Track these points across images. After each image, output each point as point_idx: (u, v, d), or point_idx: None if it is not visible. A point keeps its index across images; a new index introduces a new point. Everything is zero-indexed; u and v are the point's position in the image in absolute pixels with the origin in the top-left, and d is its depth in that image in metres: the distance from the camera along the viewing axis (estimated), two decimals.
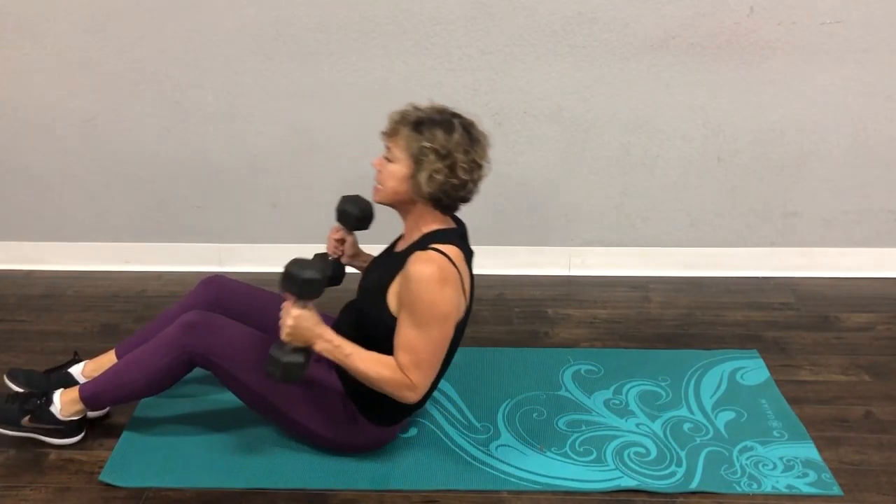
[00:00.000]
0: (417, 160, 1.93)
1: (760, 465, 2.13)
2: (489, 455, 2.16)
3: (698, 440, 2.23)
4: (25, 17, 2.83)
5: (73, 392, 2.15)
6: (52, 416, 2.15)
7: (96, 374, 2.22)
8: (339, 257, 2.27)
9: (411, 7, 2.78)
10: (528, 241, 3.19)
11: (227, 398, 2.36)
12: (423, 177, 1.92)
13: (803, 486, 2.06)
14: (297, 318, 1.93)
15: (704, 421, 2.31)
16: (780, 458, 2.15)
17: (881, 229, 3.12)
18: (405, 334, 1.93)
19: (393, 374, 1.94)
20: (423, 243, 1.96)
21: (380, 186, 2.02)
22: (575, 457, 2.16)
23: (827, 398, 2.42)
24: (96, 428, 2.26)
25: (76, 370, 2.33)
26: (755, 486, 2.06)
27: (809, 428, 2.27)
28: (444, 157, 1.91)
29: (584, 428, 2.28)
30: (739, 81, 2.87)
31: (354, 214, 2.20)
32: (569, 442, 2.22)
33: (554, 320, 2.86)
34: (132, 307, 2.95)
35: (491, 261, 3.22)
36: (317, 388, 2.09)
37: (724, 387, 2.46)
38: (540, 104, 2.93)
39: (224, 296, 2.29)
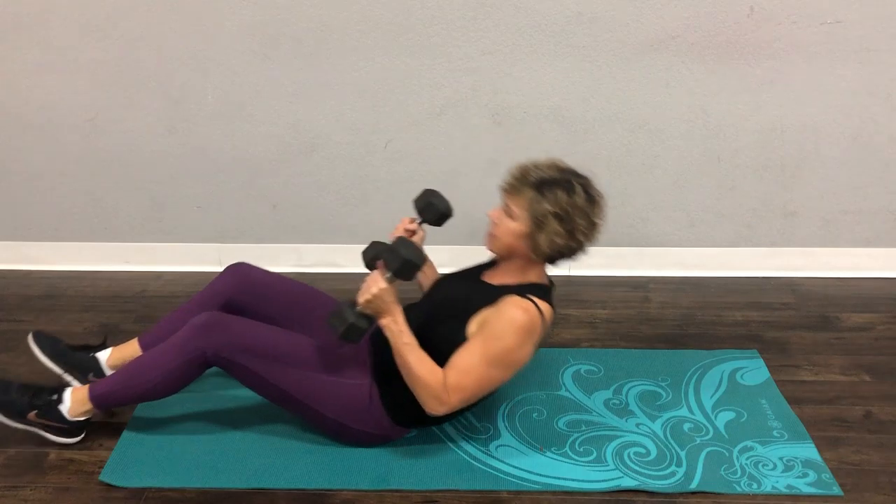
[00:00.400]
0: (538, 222, 1.97)
1: (760, 465, 2.13)
2: (489, 455, 2.16)
3: (698, 440, 2.23)
4: (25, 17, 2.84)
5: (84, 391, 2.15)
6: (60, 414, 2.14)
7: (119, 364, 2.24)
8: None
9: (411, 7, 2.78)
10: None
11: (227, 398, 2.36)
12: (542, 239, 1.98)
13: (803, 486, 2.05)
14: (382, 291, 1.97)
15: (704, 421, 2.31)
16: (780, 458, 2.15)
17: (881, 229, 3.12)
18: (467, 359, 1.96)
19: (435, 383, 1.96)
20: (523, 290, 2.01)
21: (495, 238, 2.07)
22: (575, 457, 2.16)
23: (827, 398, 2.42)
24: (96, 428, 2.25)
25: (102, 356, 2.33)
26: (755, 486, 2.06)
27: (809, 428, 2.26)
28: (565, 220, 1.96)
29: (584, 428, 2.28)
30: (739, 81, 2.87)
31: (440, 210, 2.16)
32: (569, 442, 2.22)
33: (554, 320, 2.85)
34: (132, 307, 2.95)
35: None
36: (338, 378, 2.09)
37: (724, 387, 2.46)
38: (540, 104, 2.93)
39: (248, 282, 2.30)
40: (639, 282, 3.13)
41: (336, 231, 3.17)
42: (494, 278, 2.13)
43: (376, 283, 1.98)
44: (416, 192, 3.25)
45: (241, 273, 2.33)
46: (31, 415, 2.13)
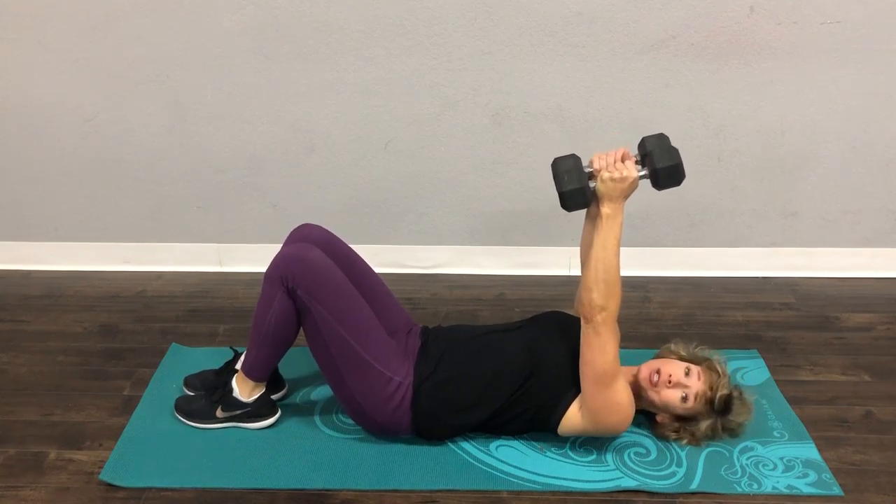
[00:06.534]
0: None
1: (761, 466, 2.13)
2: (489, 455, 2.16)
3: None
4: (25, 17, 2.83)
5: (240, 372, 2.22)
6: (238, 400, 2.21)
7: None
8: (592, 176, 2.03)
9: (411, 7, 2.78)
10: (528, 241, 3.19)
11: None
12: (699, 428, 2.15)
13: (804, 487, 2.06)
14: (633, 182, 1.95)
15: None
16: (781, 459, 2.15)
17: (881, 229, 3.12)
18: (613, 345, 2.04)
19: (615, 290, 1.98)
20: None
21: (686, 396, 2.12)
22: (575, 457, 2.16)
23: (827, 398, 2.42)
24: (96, 428, 2.26)
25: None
26: (755, 486, 2.06)
27: (810, 428, 2.27)
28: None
29: None
30: (739, 81, 2.87)
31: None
32: (569, 442, 2.21)
33: None
34: (132, 307, 2.95)
35: (491, 261, 3.22)
36: (381, 366, 2.09)
37: None
38: (540, 104, 2.93)
39: (330, 240, 2.33)
40: (639, 282, 3.13)
41: (336, 231, 3.16)
42: None
43: (630, 172, 1.95)
44: (416, 191, 3.25)
45: (319, 231, 2.33)
46: (219, 411, 2.22)
